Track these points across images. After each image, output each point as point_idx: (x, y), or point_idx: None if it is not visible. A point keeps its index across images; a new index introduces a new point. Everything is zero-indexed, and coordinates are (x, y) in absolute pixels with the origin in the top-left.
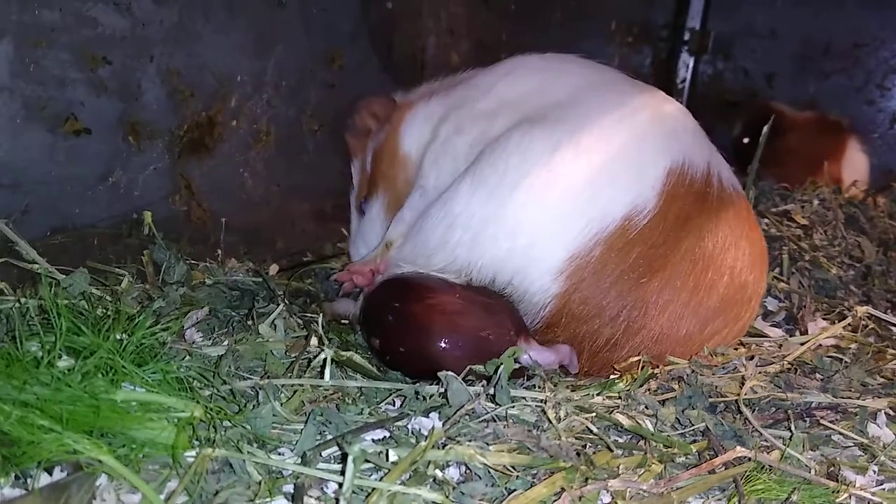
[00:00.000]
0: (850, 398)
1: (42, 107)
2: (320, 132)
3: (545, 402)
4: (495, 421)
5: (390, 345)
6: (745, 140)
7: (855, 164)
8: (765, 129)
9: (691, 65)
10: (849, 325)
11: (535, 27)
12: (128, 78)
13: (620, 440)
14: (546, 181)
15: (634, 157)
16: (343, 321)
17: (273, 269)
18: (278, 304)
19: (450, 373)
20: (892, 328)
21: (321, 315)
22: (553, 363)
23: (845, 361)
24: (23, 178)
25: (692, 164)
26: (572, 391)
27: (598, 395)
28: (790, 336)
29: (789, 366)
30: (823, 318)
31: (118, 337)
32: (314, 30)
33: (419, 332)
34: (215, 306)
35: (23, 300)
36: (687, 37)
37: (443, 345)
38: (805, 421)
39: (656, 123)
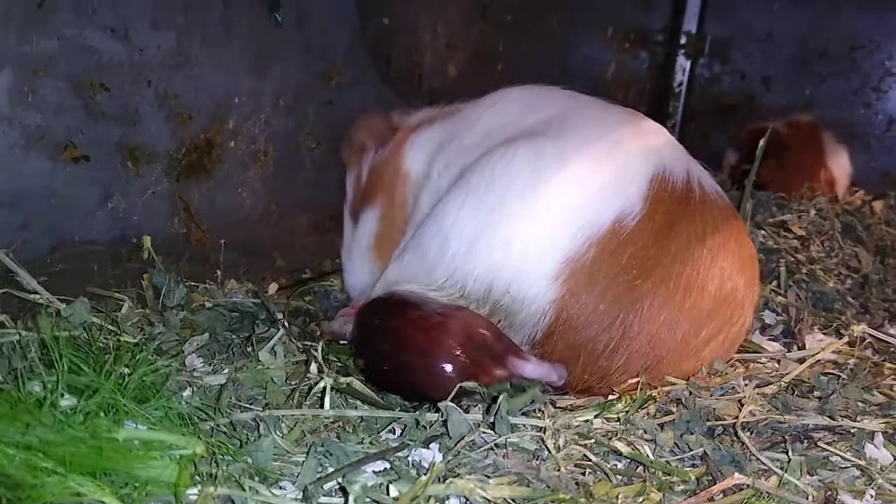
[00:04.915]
0: (847, 418)
1: (41, 135)
2: (318, 149)
3: (544, 432)
4: (495, 450)
5: (374, 363)
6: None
7: (840, 160)
8: (761, 143)
9: (688, 68)
10: (846, 343)
11: (532, 36)
12: (126, 103)
13: (619, 464)
14: (534, 188)
15: (618, 164)
16: (342, 341)
17: (272, 287)
18: (278, 329)
19: (450, 403)
20: (889, 339)
21: (320, 335)
22: (548, 378)
23: (843, 379)
24: (23, 206)
25: (672, 171)
26: (571, 411)
27: (596, 417)
28: (788, 350)
29: (787, 385)
30: (822, 333)
31: (120, 370)
32: (311, 48)
33: (399, 348)
34: (215, 330)
35: (24, 333)
36: (683, 40)
37: (423, 361)
38: (802, 443)
39: (634, 136)
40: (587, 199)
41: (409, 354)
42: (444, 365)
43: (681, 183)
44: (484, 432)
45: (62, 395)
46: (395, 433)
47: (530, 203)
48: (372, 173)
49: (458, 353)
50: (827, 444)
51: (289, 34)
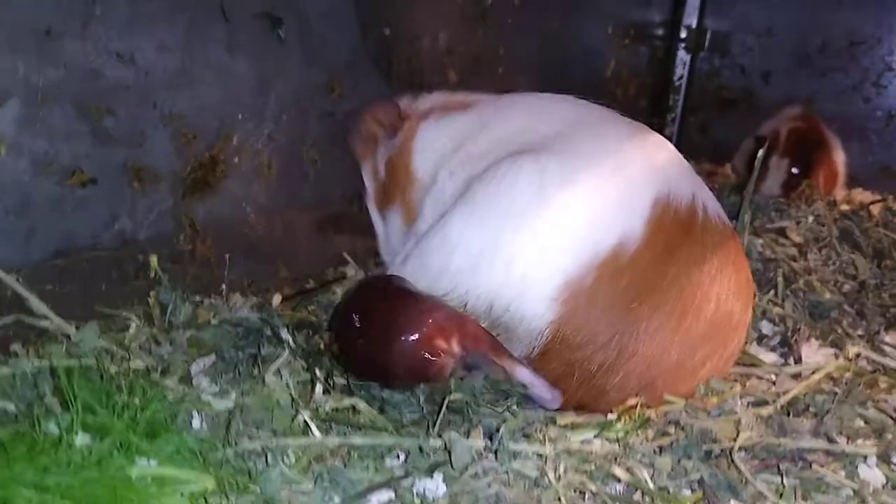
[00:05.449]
0: (842, 435)
1: (49, 162)
2: (320, 160)
3: (545, 461)
4: (497, 474)
5: (345, 340)
6: (795, 170)
7: (839, 150)
8: (760, 153)
9: (688, 62)
10: (842, 361)
11: (532, 38)
12: (132, 126)
13: (619, 486)
14: (538, 208)
15: (622, 187)
16: None
17: (276, 299)
18: (283, 348)
19: (454, 433)
20: (885, 347)
21: (325, 347)
22: (542, 395)
23: (838, 396)
24: (32, 233)
25: (677, 195)
26: (572, 429)
27: (595, 437)
28: (785, 360)
29: (782, 406)
30: (820, 346)
31: (132, 402)
32: (313, 61)
33: (365, 316)
34: (221, 348)
35: (36, 362)
36: (684, 34)
37: (385, 325)
38: (797, 464)
39: (642, 156)
40: (589, 223)
41: (373, 323)
42: (406, 331)
43: (685, 207)
44: (486, 456)
45: (77, 433)
46: (399, 458)
47: (533, 224)
48: (388, 168)
49: (421, 322)
50: (821, 465)
51: (291, 48)
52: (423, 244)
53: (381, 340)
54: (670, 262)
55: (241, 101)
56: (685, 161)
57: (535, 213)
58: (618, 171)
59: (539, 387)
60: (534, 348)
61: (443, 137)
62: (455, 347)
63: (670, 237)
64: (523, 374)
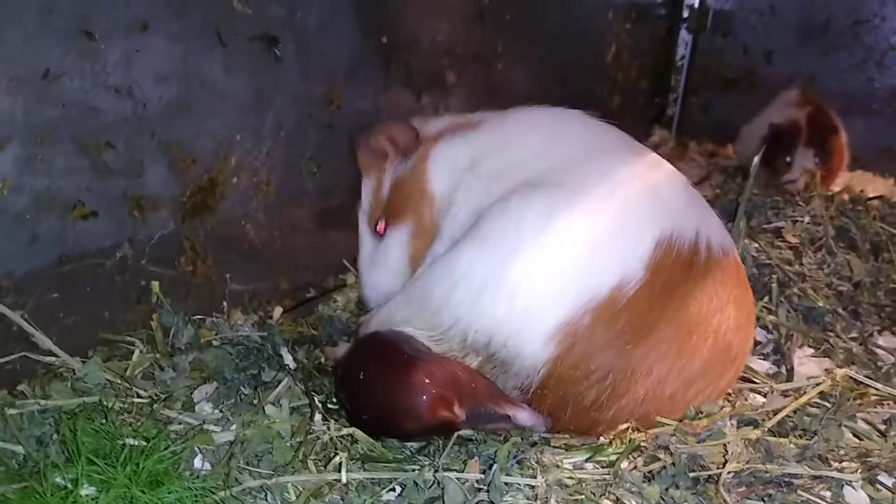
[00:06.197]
0: (829, 459)
1: (50, 199)
2: (319, 172)
3: (536, 495)
4: None
5: (353, 408)
6: (817, 160)
7: (844, 133)
8: (755, 160)
9: (690, 42)
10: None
11: (531, 33)
12: (131, 157)
13: None
14: (542, 247)
15: (625, 229)
16: None
17: (277, 312)
18: (284, 373)
19: (447, 474)
20: (878, 351)
21: (325, 360)
22: (539, 428)
23: (827, 414)
24: (34, 270)
25: (680, 234)
26: (565, 451)
27: (587, 461)
28: (778, 367)
29: (769, 429)
30: (813, 354)
31: (136, 443)
32: (311, 75)
33: (371, 392)
34: (223, 371)
35: (42, 401)
36: (686, 14)
37: (391, 398)
38: (783, 489)
39: (648, 193)
40: (590, 265)
41: (378, 395)
42: (411, 400)
43: (687, 246)
44: (480, 488)
45: (82, 486)
46: (395, 491)
47: (536, 263)
48: (397, 187)
49: (425, 387)
50: (806, 490)
51: (288, 65)
52: (428, 273)
53: (386, 416)
54: (668, 302)
55: (238, 122)
56: (693, 191)
57: (539, 251)
58: (623, 213)
59: (539, 425)
60: (530, 383)
61: (458, 157)
62: (458, 412)
63: (670, 277)
64: (524, 417)
